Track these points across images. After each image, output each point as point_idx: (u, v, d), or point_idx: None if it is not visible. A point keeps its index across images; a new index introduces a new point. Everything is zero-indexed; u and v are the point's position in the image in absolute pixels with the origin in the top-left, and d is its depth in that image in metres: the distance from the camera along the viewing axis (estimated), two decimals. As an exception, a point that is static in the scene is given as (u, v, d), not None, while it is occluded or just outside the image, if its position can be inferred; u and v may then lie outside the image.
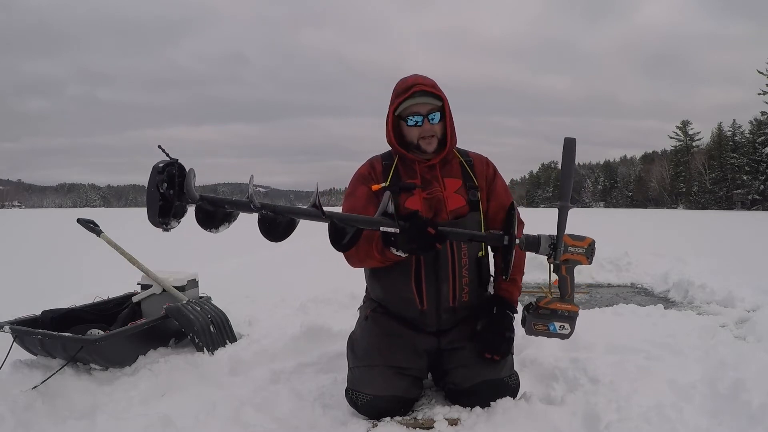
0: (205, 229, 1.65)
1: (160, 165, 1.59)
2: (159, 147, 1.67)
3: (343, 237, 1.63)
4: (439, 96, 1.89)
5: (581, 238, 1.67)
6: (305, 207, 1.61)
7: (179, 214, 1.65)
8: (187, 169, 1.63)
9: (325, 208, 1.58)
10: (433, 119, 1.90)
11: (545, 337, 1.74)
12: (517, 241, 1.65)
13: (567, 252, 1.65)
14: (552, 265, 1.67)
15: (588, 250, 1.67)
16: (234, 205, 1.62)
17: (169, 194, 1.59)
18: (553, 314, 1.69)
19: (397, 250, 1.66)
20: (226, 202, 1.62)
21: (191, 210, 1.67)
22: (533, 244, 1.65)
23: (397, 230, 1.61)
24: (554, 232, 1.64)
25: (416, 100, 1.87)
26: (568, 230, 1.65)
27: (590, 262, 1.68)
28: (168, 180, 1.60)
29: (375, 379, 1.87)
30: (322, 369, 2.43)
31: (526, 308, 1.75)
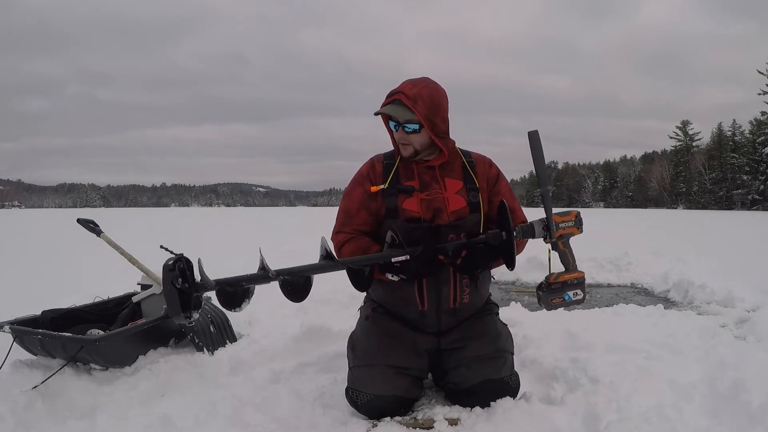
0: (230, 310, 1.73)
1: (170, 263, 1.64)
2: (161, 247, 1.79)
3: (362, 277, 1.75)
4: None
5: (567, 213, 1.83)
6: (317, 262, 1.70)
7: (198, 306, 1.72)
8: (193, 262, 1.70)
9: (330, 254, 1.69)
10: (407, 128, 1.90)
11: (564, 308, 1.86)
12: (514, 233, 1.75)
13: (559, 228, 1.80)
14: (550, 245, 1.81)
15: (576, 220, 1.83)
16: (251, 281, 1.69)
17: (185, 288, 1.64)
18: (564, 285, 1.81)
19: (392, 276, 1.77)
20: (242, 279, 1.69)
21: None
22: (528, 231, 1.80)
23: (407, 257, 1.72)
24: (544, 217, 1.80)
25: (392, 108, 1.89)
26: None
27: (581, 231, 1.85)
28: (182, 276, 1.65)
29: (375, 378, 1.87)
30: (322, 369, 2.43)
31: (539, 288, 1.85)
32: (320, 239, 1.73)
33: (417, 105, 1.85)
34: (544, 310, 1.88)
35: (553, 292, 1.81)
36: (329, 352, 2.55)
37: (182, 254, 1.70)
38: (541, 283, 1.85)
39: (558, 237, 1.79)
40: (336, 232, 2.02)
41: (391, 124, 1.94)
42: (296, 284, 1.70)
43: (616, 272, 5.41)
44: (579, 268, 1.84)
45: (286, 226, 18.48)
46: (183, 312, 1.62)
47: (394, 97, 1.88)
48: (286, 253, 8.07)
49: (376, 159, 2.05)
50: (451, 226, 1.89)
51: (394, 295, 1.98)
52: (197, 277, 1.66)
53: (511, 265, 1.77)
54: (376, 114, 1.93)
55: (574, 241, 1.85)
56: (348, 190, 2.05)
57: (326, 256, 1.69)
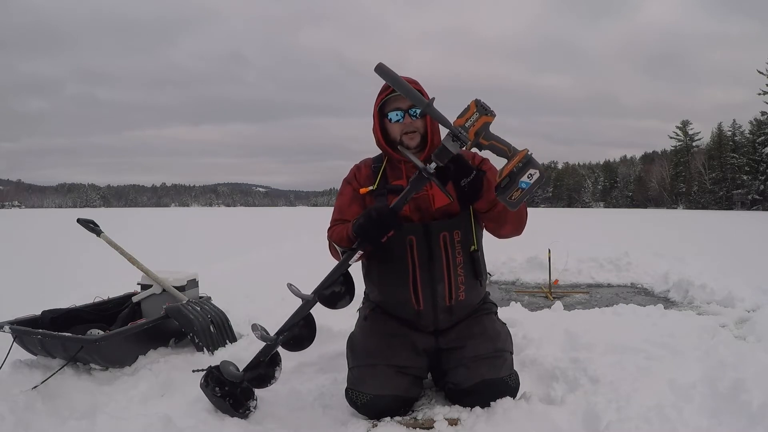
0: (268, 386, 1.94)
1: (203, 382, 1.91)
2: (193, 371, 2.15)
3: (335, 297, 1.84)
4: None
5: (466, 109, 1.65)
6: (298, 307, 1.87)
7: (249, 396, 1.92)
8: (219, 365, 1.93)
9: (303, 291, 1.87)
10: (414, 114, 1.94)
11: (530, 197, 1.65)
12: (432, 165, 1.69)
13: (468, 129, 1.63)
14: (477, 148, 1.66)
15: (480, 108, 1.64)
16: (263, 354, 1.89)
17: (225, 391, 1.88)
18: (512, 176, 1.60)
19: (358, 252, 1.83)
20: (259, 358, 1.90)
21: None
22: (442, 151, 1.67)
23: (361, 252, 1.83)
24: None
25: (395, 97, 1.92)
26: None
27: (493, 115, 1.64)
28: (218, 383, 1.89)
29: (375, 378, 1.88)
30: (322, 369, 2.43)
31: (496, 193, 1.66)
32: (287, 286, 1.88)
33: (417, 86, 1.90)
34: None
35: (507, 190, 1.60)
36: (329, 352, 2.55)
37: (209, 366, 1.95)
38: (495, 187, 1.66)
39: (474, 135, 1.63)
40: (329, 228, 2.04)
41: (394, 115, 1.94)
42: (299, 335, 1.87)
43: (616, 272, 5.40)
44: (519, 149, 1.63)
45: (286, 226, 18.47)
46: (240, 411, 1.86)
47: (390, 90, 1.90)
48: (282, 254, 8.09)
49: (363, 163, 2.10)
50: (442, 224, 1.92)
51: (391, 296, 1.99)
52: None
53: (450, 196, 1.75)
54: (380, 111, 1.96)
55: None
56: (339, 191, 2.12)
57: (300, 296, 1.84)
